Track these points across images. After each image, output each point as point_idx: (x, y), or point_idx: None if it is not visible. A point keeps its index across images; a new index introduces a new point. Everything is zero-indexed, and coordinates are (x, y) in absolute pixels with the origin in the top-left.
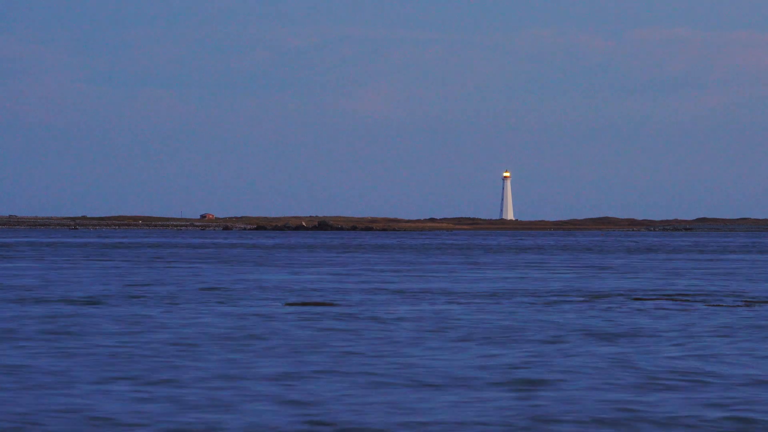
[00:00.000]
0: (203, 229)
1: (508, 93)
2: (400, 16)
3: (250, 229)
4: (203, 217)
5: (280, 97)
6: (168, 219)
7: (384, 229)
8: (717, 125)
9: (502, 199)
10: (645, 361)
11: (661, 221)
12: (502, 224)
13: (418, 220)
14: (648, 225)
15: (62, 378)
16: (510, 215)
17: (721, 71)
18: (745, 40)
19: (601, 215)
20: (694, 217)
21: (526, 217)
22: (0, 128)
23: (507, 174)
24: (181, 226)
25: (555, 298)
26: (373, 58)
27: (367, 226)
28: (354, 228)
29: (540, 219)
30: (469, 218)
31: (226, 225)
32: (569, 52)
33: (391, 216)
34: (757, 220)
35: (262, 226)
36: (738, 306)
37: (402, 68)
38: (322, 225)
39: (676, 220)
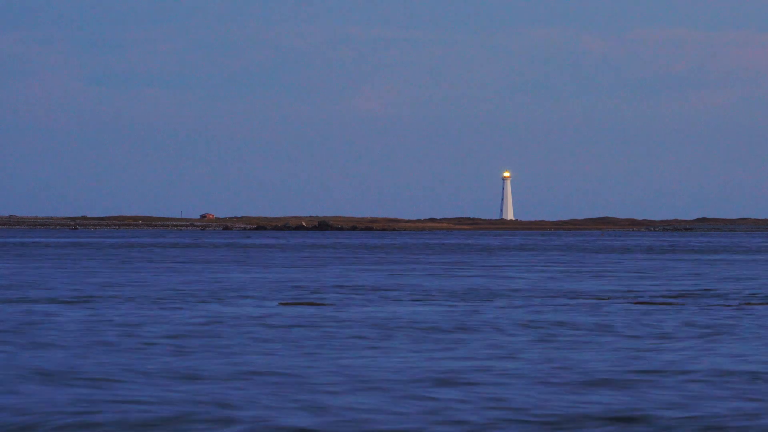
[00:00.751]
0: (203, 229)
1: (508, 93)
2: (399, 16)
3: (250, 229)
4: (203, 217)
5: (280, 97)
6: (168, 219)
7: (384, 229)
8: (717, 125)
9: (502, 199)
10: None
11: (661, 221)
12: (502, 224)
13: (418, 220)
14: (648, 225)
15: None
16: (510, 215)
17: (721, 71)
18: (745, 40)
19: (601, 215)
20: (694, 217)
21: (526, 217)
22: (0, 128)
23: (507, 174)
24: (181, 226)
25: (538, 299)
26: (373, 58)
27: (367, 226)
28: (354, 228)
29: (540, 219)
30: (469, 218)
31: (226, 225)
32: (569, 52)
33: (391, 216)
34: (757, 220)
35: (262, 226)
36: (724, 306)
37: (402, 68)
38: (322, 225)
39: (676, 220)
